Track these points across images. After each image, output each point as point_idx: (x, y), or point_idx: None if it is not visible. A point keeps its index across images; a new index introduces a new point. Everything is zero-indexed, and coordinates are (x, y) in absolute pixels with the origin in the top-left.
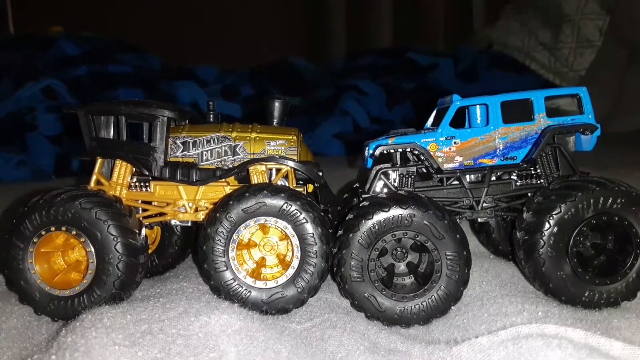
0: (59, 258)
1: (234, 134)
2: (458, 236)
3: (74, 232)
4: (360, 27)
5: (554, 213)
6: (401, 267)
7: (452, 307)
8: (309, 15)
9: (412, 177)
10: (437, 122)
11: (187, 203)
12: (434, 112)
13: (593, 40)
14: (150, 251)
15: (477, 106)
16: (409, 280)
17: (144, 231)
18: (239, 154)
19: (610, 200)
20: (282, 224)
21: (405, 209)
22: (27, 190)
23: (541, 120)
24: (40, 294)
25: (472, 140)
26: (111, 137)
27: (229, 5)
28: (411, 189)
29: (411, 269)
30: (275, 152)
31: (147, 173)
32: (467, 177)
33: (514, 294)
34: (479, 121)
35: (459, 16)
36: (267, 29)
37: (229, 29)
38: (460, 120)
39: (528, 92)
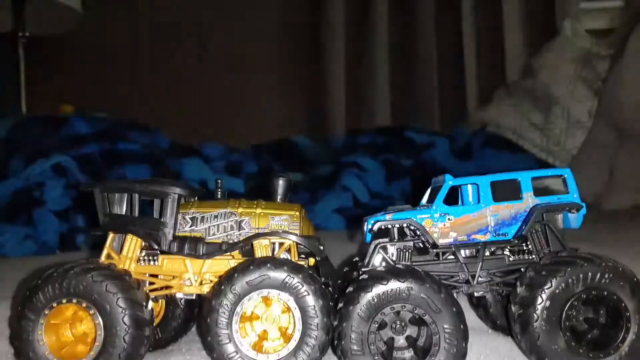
0: (67, 330)
1: (240, 210)
2: (455, 309)
3: (84, 305)
4: (358, 109)
5: (545, 287)
6: (400, 340)
7: None
8: (308, 96)
9: (410, 251)
10: (431, 200)
11: (192, 276)
12: (429, 190)
13: (583, 122)
14: (154, 324)
15: (469, 185)
16: (408, 354)
17: (150, 304)
18: (244, 229)
19: (598, 275)
20: (284, 296)
21: (403, 282)
22: (34, 265)
23: (529, 199)
24: None
25: (465, 217)
26: (124, 213)
27: (233, 88)
28: (409, 263)
29: (410, 343)
30: (278, 227)
31: (156, 247)
32: (462, 252)
33: None
34: (470, 199)
35: (453, 99)
36: (269, 110)
37: (233, 109)
38: (454, 197)
39: (516, 172)
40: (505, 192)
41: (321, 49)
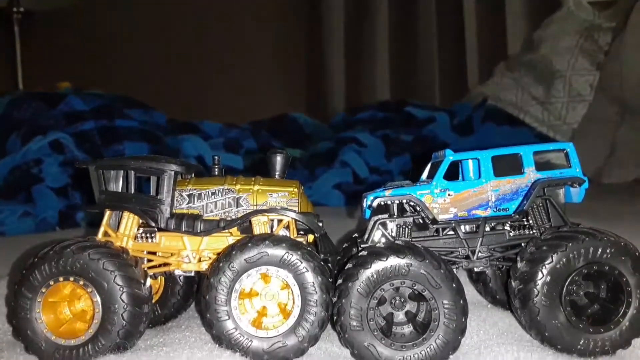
0: (65, 308)
1: (238, 187)
2: (454, 285)
3: (81, 282)
4: (358, 84)
5: (546, 263)
6: (400, 316)
7: (451, 356)
8: (308, 73)
9: (409, 227)
10: (432, 175)
11: (191, 253)
12: (429, 166)
13: (584, 95)
14: (153, 301)
15: (470, 160)
16: (407, 329)
17: (148, 281)
18: (242, 206)
19: (599, 250)
20: (283, 273)
21: (402, 258)
22: (33, 243)
23: (531, 174)
24: (46, 343)
25: (465, 192)
26: (120, 190)
27: (232, 64)
28: (408, 239)
29: (410, 318)
30: (277, 204)
31: (153, 224)
32: (462, 227)
33: (510, 343)
34: (471, 174)
35: (454, 74)
36: (268, 87)
37: (232, 86)
38: (454, 172)
39: (517, 147)
40: (507, 166)
41: (320, 25)
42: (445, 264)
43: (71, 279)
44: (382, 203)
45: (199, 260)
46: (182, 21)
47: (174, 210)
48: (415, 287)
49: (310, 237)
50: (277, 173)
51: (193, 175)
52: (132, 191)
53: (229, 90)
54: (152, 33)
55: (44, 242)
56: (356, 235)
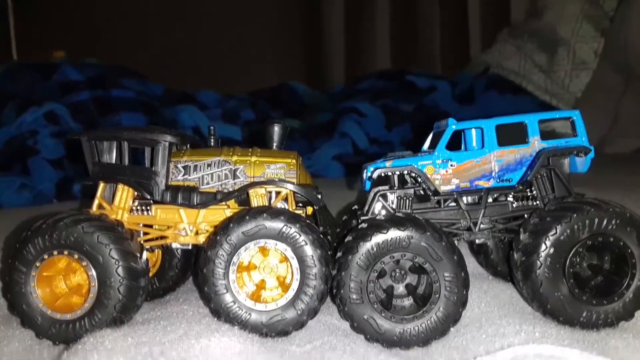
0: (61, 282)
1: (234, 158)
2: (456, 257)
3: (76, 256)
4: (358, 54)
5: (549, 234)
6: (400, 288)
7: (451, 329)
8: (307, 43)
9: (410, 199)
10: (433, 145)
11: (187, 226)
12: (431, 135)
13: (588, 63)
14: (150, 274)
15: (473, 129)
16: (408, 302)
17: (145, 254)
18: (239, 178)
19: (605, 222)
20: (281, 246)
21: (403, 230)
22: (30, 215)
23: (535, 143)
24: (42, 317)
25: (468, 162)
26: (114, 162)
27: (229, 34)
28: (409, 211)
29: (410, 291)
30: (274, 176)
31: (148, 197)
32: (464, 198)
33: (512, 315)
34: (474, 144)
35: (456, 42)
36: (267, 57)
37: (229, 57)
38: (456, 143)
39: (522, 115)
40: (511, 136)
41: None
42: (447, 236)
43: (65, 252)
44: (383, 174)
45: (196, 233)
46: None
47: (169, 183)
48: (416, 260)
49: (309, 210)
50: (275, 144)
51: (188, 146)
52: (127, 163)
53: (227, 61)
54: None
55: (38, 214)
56: (356, 207)
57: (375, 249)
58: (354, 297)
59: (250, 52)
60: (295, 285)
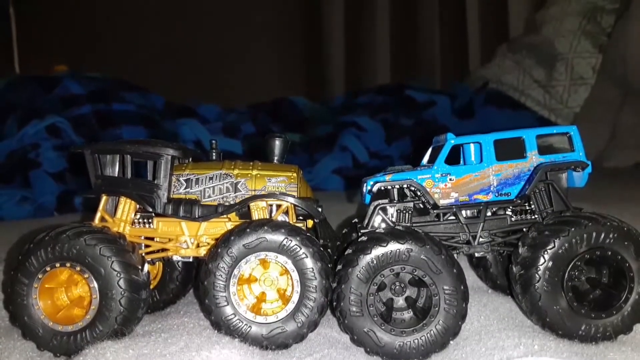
0: (62, 294)
1: (236, 171)
2: (455, 271)
3: (78, 268)
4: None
5: (548, 248)
6: (400, 301)
7: (451, 342)
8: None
9: (410, 212)
10: (432, 159)
11: (189, 239)
12: (430, 150)
13: (587, 78)
14: (151, 287)
15: (471, 144)
16: (407, 314)
17: (146, 267)
18: (240, 191)
19: (602, 235)
20: (282, 259)
21: (402, 244)
22: (31, 228)
23: (533, 158)
24: (43, 329)
25: (466, 176)
26: (116, 175)
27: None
28: (409, 225)
29: (410, 304)
30: (275, 189)
31: (150, 210)
32: (463, 212)
33: (511, 328)
34: (473, 158)
35: (455, 56)
36: (267, 71)
37: (231, 72)
38: (455, 157)
39: (520, 130)
40: (509, 150)
41: (320, 8)
42: (446, 249)
43: (67, 264)
44: (382, 188)
45: (197, 246)
46: (181, 4)
47: (171, 196)
48: (415, 273)
49: (310, 223)
50: (275, 158)
51: (190, 159)
52: (129, 176)
53: (228, 74)
54: (150, 15)
55: (40, 227)
56: (356, 220)
57: (375, 262)
58: (354, 309)
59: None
60: (295, 297)
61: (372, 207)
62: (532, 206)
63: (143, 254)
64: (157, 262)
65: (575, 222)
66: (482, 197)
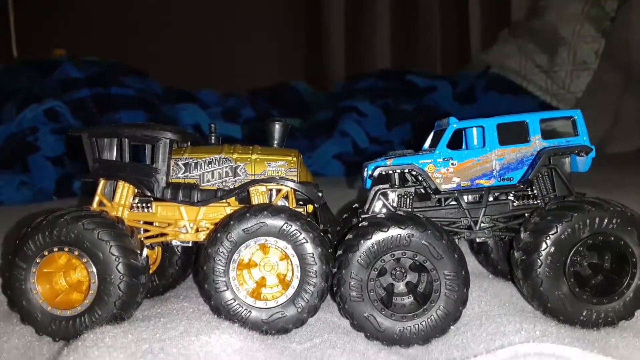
0: (61, 278)
1: (235, 156)
2: (456, 256)
3: (76, 253)
4: (359, 54)
5: (550, 233)
6: (400, 286)
7: (452, 327)
8: (308, 40)
9: (411, 197)
10: (434, 144)
11: (188, 223)
12: (432, 134)
13: (589, 63)
14: (151, 271)
15: (474, 128)
16: (408, 300)
17: (145, 251)
18: (240, 175)
19: (605, 221)
20: (282, 244)
21: (403, 229)
22: (30, 212)
23: (537, 142)
24: (42, 314)
25: (469, 161)
26: (114, 159)
27: (230, 30)
28: (410, 210)
29: (410, 289)
30: (275, 173)
31: (149, 194)
32: (465, 197)
33: (512, 314)
34: (475, 143)
35: (456, 41)
36: (268, 55)
37: (230, 52)
38: (457, 141)
39: (523, 114)
40: (512, 135)
41: None
42: (447, 234)
43: (66, 249)
44: (383, 172)
45: (197, 231)
46: None
47: (170, 180)
48: (416, 258)
49: (310, 208)
50: (275, 142)
51: (189, 143)
52: (127, 160)
53: (228, 59)
54: (149, 0)
55: (38, 211)
56: (356, 205)
57: (375, 247)
58: (354, 295)
59: (251, 49)
60: (295, 282)
61: (373, 192)
62: (535, 191)
63: (142, 239)
64: (157, 247)
65: (578, 207)
66: (484, 182)
